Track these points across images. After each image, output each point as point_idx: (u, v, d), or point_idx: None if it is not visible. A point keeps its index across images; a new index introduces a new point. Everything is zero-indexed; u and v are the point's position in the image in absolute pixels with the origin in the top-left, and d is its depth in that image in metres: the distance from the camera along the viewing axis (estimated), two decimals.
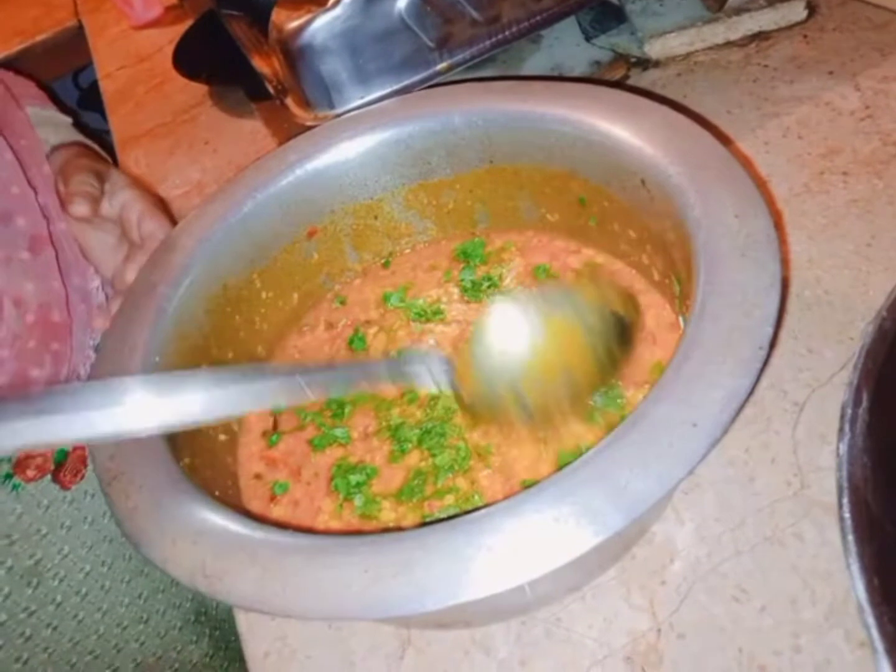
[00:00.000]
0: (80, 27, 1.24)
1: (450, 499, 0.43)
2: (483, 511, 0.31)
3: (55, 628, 0.60)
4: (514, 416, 0.40)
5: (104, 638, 0.63)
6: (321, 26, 0.58)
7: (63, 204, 0.59)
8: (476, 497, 0.43)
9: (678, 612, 0.42)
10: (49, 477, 0.60)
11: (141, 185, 0.64)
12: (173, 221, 0.62)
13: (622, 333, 0.42)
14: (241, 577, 0.31)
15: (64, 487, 0.61)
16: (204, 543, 0.33)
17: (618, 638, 0.42)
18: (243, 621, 0.47)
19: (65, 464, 0.61)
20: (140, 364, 0.43)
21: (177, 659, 0.69)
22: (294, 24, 0.59)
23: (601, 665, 0.41)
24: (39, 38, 1.19)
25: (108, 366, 0.44)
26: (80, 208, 0.57)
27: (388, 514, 0.44)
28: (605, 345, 0.40)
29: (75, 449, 0.62)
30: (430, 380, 0.43)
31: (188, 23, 1.03)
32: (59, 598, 0.60)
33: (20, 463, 0.57)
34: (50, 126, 0.69)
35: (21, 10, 1.26)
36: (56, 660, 0.60)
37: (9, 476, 0.57)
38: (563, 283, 0.53)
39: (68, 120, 0.73)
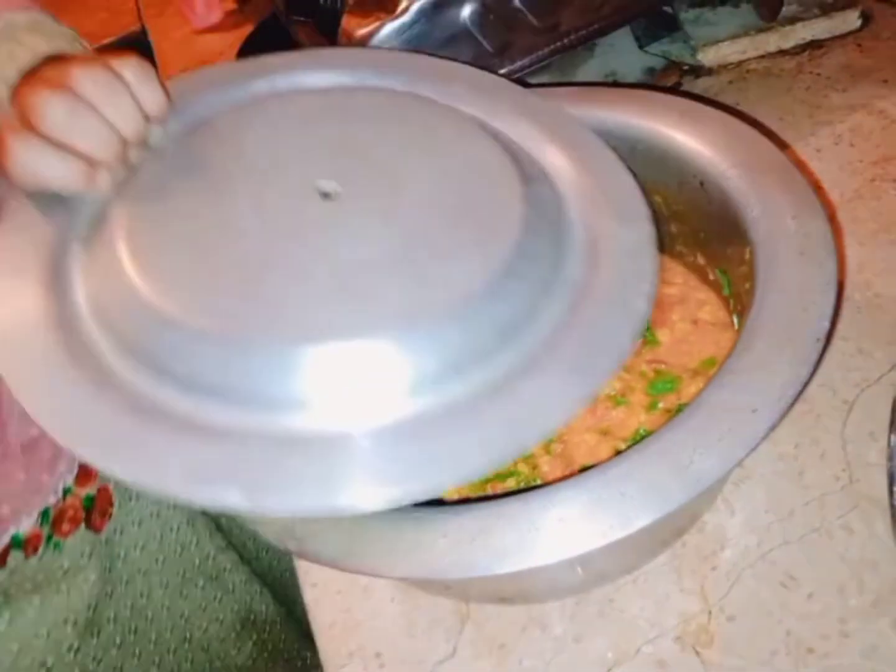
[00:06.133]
0: (144, 31, 1.29)
1: (511, 482, 0.46)
2: (554, 485, 0.33)
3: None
4: None
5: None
6: (390, 33, 0.61)
7: None
8: (538, 482, 0.45)
9: (728, 596, 0.43)
10: (83, 526, 0.60)
11: None
12: None
13: None
14: (328, 539, 0.34)
15: (97, 531, 0.61)
16: None
17: (669, 619, 0.43)
18: (309, 593, 0.50)
19: (94, 508, 0.61)
20: None
21: (220, 668, 0.72)
22: (364, 30, 0.62)
23: (653, 643, 0.43)
24: (107, 40, 1.25)
25: None
26: None
27: (450, 493, 0.46)
28: None
29: (100, 491, 0.62)
30: None
31: (247, 28, 1.06)
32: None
33: (55, 521, 0.57)
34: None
35: (90, 13, 1.32)
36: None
37: (49, 538, 0.57)
38: None
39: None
